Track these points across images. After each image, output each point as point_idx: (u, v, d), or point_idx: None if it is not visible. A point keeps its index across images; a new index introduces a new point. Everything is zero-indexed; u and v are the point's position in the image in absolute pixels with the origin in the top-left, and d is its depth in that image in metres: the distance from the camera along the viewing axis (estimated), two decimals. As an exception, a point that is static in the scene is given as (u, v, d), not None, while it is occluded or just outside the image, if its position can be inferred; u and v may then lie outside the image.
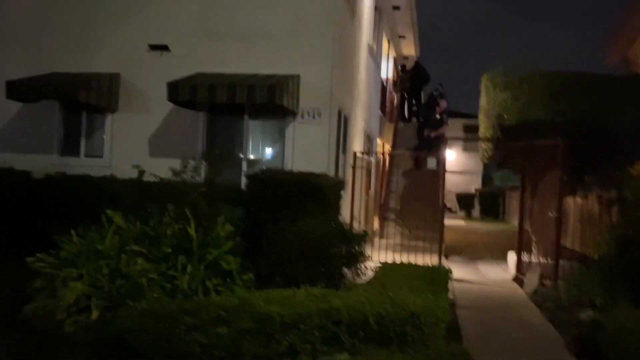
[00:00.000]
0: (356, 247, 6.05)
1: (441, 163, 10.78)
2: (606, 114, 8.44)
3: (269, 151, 8.14)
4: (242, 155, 8.08)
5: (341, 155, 8.90)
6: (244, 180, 7.80)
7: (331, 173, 7.92)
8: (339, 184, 7.43)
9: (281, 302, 3.87)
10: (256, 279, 5.59)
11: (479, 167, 31.68)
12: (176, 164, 7.61)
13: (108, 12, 8.51)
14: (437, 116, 13.42)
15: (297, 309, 3.76)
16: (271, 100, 7.08)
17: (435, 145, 13.44)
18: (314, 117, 7.82)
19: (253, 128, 8.18)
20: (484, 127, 9.90)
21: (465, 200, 25.95)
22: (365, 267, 6.27)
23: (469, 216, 26.13)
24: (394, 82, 17.99)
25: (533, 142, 8.46)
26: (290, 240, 5.68)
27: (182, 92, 7.30)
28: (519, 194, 9.55)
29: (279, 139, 8.05)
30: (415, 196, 12.05)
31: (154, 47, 8.27)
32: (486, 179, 34.70)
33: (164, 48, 8.25)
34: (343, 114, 8.85)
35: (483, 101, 10.08)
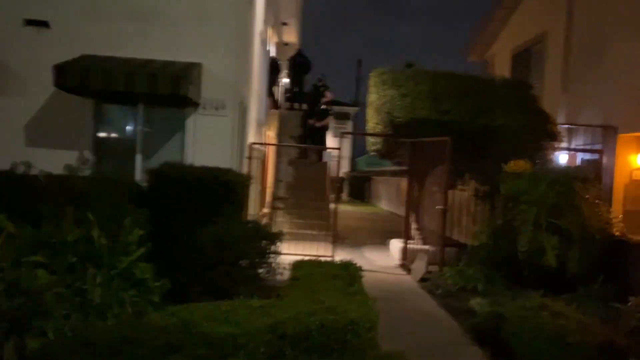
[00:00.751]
0: (273, 247, 5.93)
1: (328, 154, 11.00)
2: (483, 116, 9.18)
3: (166, 144, 7.62)
4: (136, 148, 7.46)
5: (239, 147, 8.64)
6: (138, 176, 7.28)
7: (235, 166, 7.66)
8: (247, 179, 7.22)
9: (226, 320, 3.66)
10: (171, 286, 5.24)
11: (347, 153, 33.15)
12: (58, 155, 6.89)
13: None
14: (323, 107, 13.61)
15: (245, 327, 3.58)
16: (175, 91, 6.61)
17: (320, 135, 13.71)
18: (216, 109, 7.48)
19: (149, 118, 7.58)
20: (373, 121, 10.21)
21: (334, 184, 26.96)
22: (278, 265, 6.18)
23: (338, 199, 27.11)
24: (270, 69, 17.90)
25: (423, 139, 8.96)
26: (208, 245, 5.38)
27: (72, 77, 6.49)
28: (406, 186, 10.08)
29: (177, 131, 7.57)
30: (302, 185, 12.21)
31: (30, 22, 7.22)
32: (353, 163, 36.34)
33: (43, 24, 7.24)
34: (242, 105, 8.58)
35: (372, 97, 10.36)
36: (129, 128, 7.66)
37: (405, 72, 9.99)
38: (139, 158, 7.45)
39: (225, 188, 6.22)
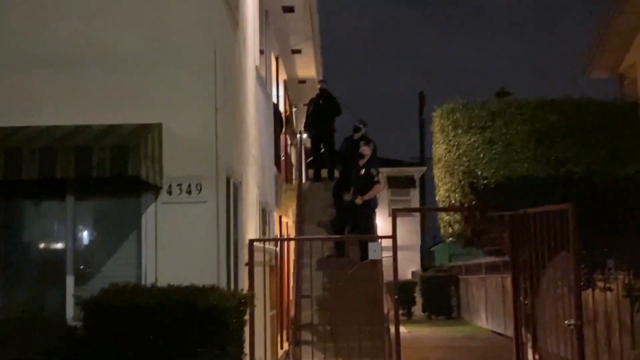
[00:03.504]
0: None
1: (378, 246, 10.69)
2: (627, 163, 8.87)
3: (113, 254, 7.52)
4: (66, 266, 7.38)
5: (232, 248, 8.48)
6: (69, 310, 7.22)
7: (223, 281, 7.51)
8: (245, 302, 7.04)
9: None
10: None
11: (415, 239, 32.73)
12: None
13: None
14: (363, 170, 13.41)
15: None
16: (118, 170, 6.52)
17: (364, 216, 13.41)
18: (189, 193, 7.36)
19: (83, 216, 7.55)
20: (444, 187, 10.02)
21: (401, 293, 26.42)
22: None
23: (409, 316, 26.45)
24: (286, 121, 18.09)
25: (527, 210, 8.64)
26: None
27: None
28: (511, 289, 9.65)
29: (130, 232, 7.49)
30: (341, 300, 11.81)
31: None
32: (424, 255, 35.87)
33: None
34: (232, 182, 8.50)
35: (440, 149, 10.30)
36: (54, 235, 7.63)
37: (487, 107, 9.93)
38: (70, 281, 7.32)
39: (206, 320, 6.05)
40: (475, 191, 9.08)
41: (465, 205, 9.30)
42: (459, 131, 9.83)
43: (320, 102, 16.36)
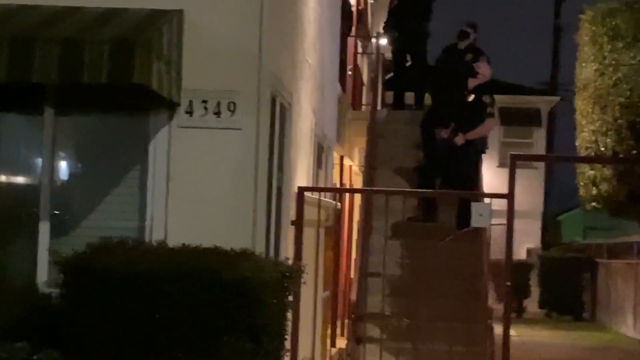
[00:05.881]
0: None
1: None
2: None
3: (107, 194, 7.72)
4: (39, 209, 7.56)
5: (274, 199, 8.58)
6: (42, 270, 7.39)
7: (260, 244, 7.65)
8: (287, 277, 7.10)
9: None
10: None
11: (536, 202, 32.53)
12: None
13: None
14: (472, 96, 13.35)
15: None
16: (121, 74, 6.61)
17: (464, 164, 13.39)
18: (217, 114, 7.50)
19: (66, 139, 7.77)
20: (593, 128, 9.95)
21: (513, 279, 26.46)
22: None
23: (519, 313, 26.41)
24: (358, 18, 18.03)
25: None
26: None
27: None
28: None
29: (130, 166, 7.70)
30: (423, 283, 11.92)
31: None
32: (547, 226, 35.62)
33: None
34: (279, 103, 8.58)
35: (587, 70, 10.22)
36: (24, 164, 7.84)
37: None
38: (44, 230, 7.53)
39: (233, 298, 6.15)
40: (639, 135, 9.03)
41: (622, 155, 9.23)
42: (620, 45, 9.75)
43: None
